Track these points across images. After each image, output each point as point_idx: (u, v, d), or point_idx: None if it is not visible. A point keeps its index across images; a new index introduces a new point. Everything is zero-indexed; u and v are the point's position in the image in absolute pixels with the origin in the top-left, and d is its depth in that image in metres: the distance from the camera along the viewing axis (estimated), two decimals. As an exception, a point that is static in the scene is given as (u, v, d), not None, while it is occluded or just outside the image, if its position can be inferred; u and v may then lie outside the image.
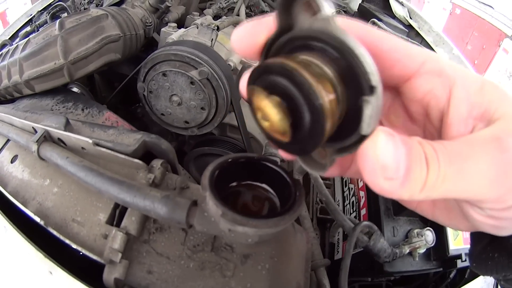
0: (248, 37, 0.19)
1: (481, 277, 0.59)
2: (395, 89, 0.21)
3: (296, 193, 0.28)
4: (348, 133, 0.17)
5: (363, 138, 0.16)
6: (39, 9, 1.06)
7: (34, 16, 1.05)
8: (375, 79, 0.15)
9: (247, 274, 0.35)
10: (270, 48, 0.19)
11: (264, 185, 0.30)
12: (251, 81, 0.18)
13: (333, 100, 0.16)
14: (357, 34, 0.16)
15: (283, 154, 0.21)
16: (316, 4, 0.16)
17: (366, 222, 0.60)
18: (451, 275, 0.73)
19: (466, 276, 0.70)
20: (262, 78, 0.17)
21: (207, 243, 0.36)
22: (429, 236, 0.65)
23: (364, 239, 0.60)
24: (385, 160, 0.15)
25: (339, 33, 0.15)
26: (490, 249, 0.23)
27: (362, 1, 1.41)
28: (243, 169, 0.29)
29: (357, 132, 0.16)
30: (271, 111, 0.16)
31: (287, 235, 0.41)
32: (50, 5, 1.06)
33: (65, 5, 0.99)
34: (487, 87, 0.18)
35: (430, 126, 0.20)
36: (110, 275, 0.34)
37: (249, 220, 0.25)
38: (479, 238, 0.24)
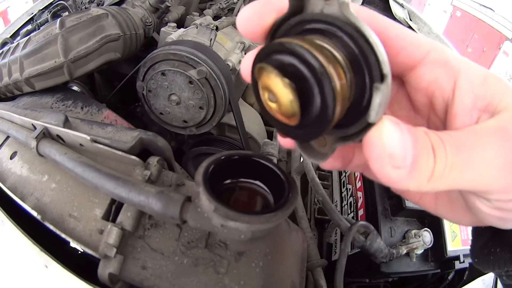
0: (255, 17, 0.18)
1: (479, 279, 0.58)
2: (399, 79, 0.21)
3: (289, 190, 0.28)
4: (352, 121, 0.17)
5: (367, 127, 0.16)
6: (41, 8, 1.07)
7: (35, 14, 1.05)
8: (386, 67, 0.15)
9: (240, 271, 0.35)
10: (276, 30, 0.18)
11: (257, 182, 0.30)
12: (259, 59, 0.17)
13: (344, 85, 0.16)
14: (365, 20, 0.16)
15: (283, 141, 0.20)
16: None
17: (362, 222, 0.60)
18: (450, 277, 0.73)
19: (464, 278, 0.70)
20: (272, 57, 0.16)
21: (201, 240, 0.36)
22: (427, 237, 0.65)
23: (360, 239, 0.60)
24: (392, 148, 0.15)
25: (354, 20, 0.15)
26: (492, 244, 0.22)
27: (362, 3, 1.42)
28: (238, 167, 0.30)
29: (361, 120, 0.16)
30: (282, 92, 0.15)
31: (282, 233, 0.41)
32: (51, 3, 1.07)
33: (66, 4, 1.00)
34: (491, 79, 0.18)
35: (434, 117, 0.20)
36: (104, 270, 0.34)
37: (241, 216, 0.25)
38: (480, 233, 0.24)
